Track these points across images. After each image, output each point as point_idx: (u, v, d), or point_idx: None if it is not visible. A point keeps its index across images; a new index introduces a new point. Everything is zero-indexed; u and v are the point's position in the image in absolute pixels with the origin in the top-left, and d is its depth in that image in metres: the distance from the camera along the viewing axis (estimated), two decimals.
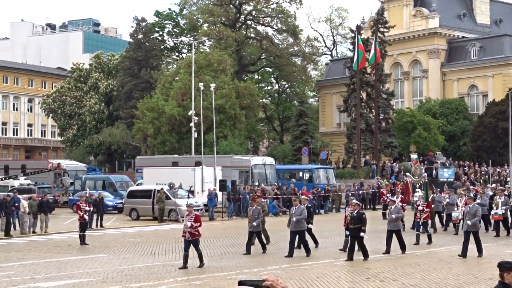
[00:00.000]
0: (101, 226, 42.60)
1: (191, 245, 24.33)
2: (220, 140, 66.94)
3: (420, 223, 31.78)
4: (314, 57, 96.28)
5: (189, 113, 63.92)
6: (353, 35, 74.46)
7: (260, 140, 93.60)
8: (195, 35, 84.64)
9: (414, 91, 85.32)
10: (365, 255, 25.70)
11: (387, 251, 27.22)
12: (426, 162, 65.42)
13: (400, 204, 35.17)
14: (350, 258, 25.50)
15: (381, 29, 74.00)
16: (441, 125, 73.99)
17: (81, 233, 33.20)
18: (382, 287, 20.02)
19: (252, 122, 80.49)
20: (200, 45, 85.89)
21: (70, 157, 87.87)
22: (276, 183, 55.22)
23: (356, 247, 25.77)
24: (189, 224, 24.18)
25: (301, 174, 62.08)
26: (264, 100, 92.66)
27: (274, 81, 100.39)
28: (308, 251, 27.14)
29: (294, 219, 27.13)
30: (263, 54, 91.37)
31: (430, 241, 31.05)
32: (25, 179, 59.97)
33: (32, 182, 58.41)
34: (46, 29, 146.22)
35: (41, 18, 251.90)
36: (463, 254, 25.91)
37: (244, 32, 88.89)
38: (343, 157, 76.95)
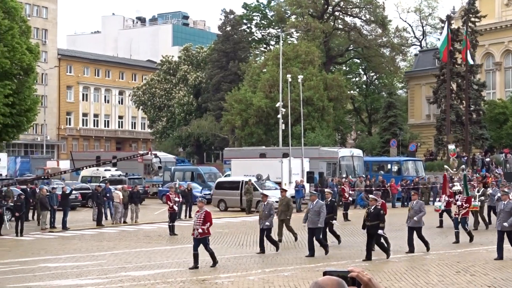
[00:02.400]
0: (190, 216, 43.05)
1: (201, 244, 22.72)
2: (307, 132, 66.86)
3: (459, 220, 29.22)
4: (403, 48, 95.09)
5: (277, 105, 64.06)
6: (443, 25, 73.28)
7: (348, 132, 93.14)
8: (283, 27, 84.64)
9: (506, 82, 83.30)
10: (369, 256, 23.77)
11: (411, 250, 25.36)
12: None
13: (447, 198, 33.20)
14: (388, 253, 24.01)
15: (472, 19, 72.56)
16: None
17: (170, 224, 33.68)
18: (473, 281, 19.65)
19: (340, 114, 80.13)
20: (288, 36, 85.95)
21: (159, 148, 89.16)
22: (364, 175, 54.87)
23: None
24: (199, 229, 22.65)
25: (389, 166, 61.50)
26: (352, 91, 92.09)
27: (362, 73, 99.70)
28: (312, 251, 25.09)
29: (311, 216, 25.33)
30: (351, 45, 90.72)
31: (471, 239, 28.64)
32: (116, 170, 61.12)
33: (123, 173, 59.50)
34: (137, 22, 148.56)
35: (131, 12, 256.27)
36: (499, 256, 23.52)
37: (332, 23, 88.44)
38: (432, 149, 75.88)
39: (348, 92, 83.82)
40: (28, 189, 43.49)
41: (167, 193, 36.77)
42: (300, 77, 61.77)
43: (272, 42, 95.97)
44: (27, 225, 37.31)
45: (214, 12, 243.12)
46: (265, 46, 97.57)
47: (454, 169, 34.84)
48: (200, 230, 22.53)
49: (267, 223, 26.29)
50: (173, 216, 34.08)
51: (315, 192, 28.21)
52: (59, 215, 38.14)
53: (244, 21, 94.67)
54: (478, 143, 71.20)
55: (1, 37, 37.28)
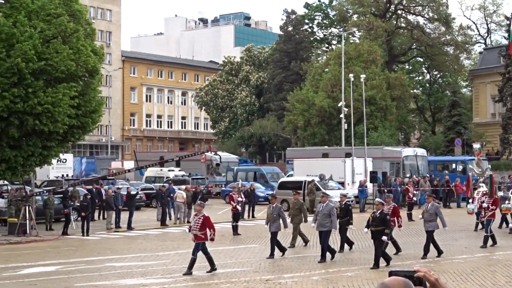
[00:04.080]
0: (253, 216, 43.23)
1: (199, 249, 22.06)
2: (370, 131, 66.46)
3: (484, 222, 27.85)
4: (467, 46, 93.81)
5: (339, 105, 63.83)
6: (508, 22, 72.09)
7: (411, 131, 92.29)
8: (345, 26, 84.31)
9: None
10: (377, 263, 22.18)
11: (439, 254, 24.27)
12: None
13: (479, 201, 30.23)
14: (376, 264, 22.25)
15: None
16: None
17: (233, 223, 33.79)
18: None
19: (403, 113, 79.47)
20: (350, 36, 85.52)
21: (222, 149, 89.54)
22: (428, 175, 54.31)
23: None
24: (193, 225, 22.18)
25: (454, 165, 60.73)
26: (415, 90, 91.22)
27: (426, 71, 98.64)
28: (332, 253, 24.18)
29: (319, 218, 24.35)
30: (414, 44, 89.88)
31: (494, 242, 26.99)
32: (179, 170, 61.63)
33: (186, 174, 59.95)
34: (199, 23, 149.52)
35: (193, 13, 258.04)
36: None
37: (395, 22, 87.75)
38: (497, 148, 74.72)
39: (411, 91, 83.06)
40: (94, 189, 44.13)
41: (230, 193, 36.96)
42: (363, 76, 61.46)
43: (334, 42, 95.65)
44: (92, 225, 37.88)
45: (276, 12, 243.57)
46: (327, 45, 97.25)
47: (480, 170, 33.30)
48: (199, 234, 21.94)
49: (276, 227, 25.46)
50: (237, 216, 34.20)
51: (325, 194, 26.42)
52: (124, 215, 38.65)
53: (306, 21, 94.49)
54: None
55: (66, 39, 37.85)
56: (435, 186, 51.40)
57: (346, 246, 26.81)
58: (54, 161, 46.59)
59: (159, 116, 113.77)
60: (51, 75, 37.30)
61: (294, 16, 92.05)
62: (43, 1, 37.78)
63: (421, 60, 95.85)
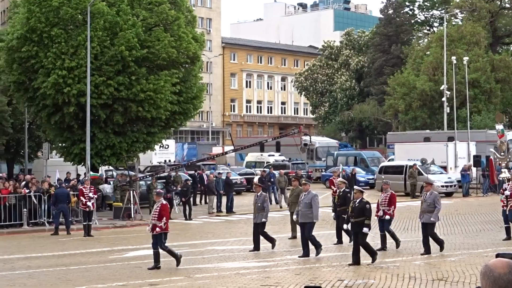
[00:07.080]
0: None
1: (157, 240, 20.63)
2: (473, 115, 65.22)
3: (507, 212, 24.83)
4: None
5: (441, 88, 62.83)
6: None
7: None
8: (447, 8, 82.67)
9: None
10: (372, 254, 20.37)
11: (426, 251, 21.87)
12: None
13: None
14: (355, 261, 20.11)
15: None
16: None
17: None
18: None
19: (508, 96, 77.53)
20: (452, 18, 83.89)
21: (322, 133, 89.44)
22: None
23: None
24: (152, 214, 21.03)
25: None
26: None
27: None
28: (317, 248, 21.95)
29: (301, 208, 22.27)
30: None
31: (509, 236, 24.72)
32: (279, 155, 61.91)
33: (286, 158, 60.13)
34: (298, 8, 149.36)
35: None
36: None
37: (499, 3, 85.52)
38: None
39: None
40: (196, 174, 44.78)
41: (331, 178, 36.85)
42: (466, 58, 60.33)
43: (436, 24, 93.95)
44: (194, 209, 38.46)
45: None
46: (428, 28, 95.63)
47: (502, 153, 30.83)
48: (157, 229, 20.58)
49: (261, 218, 23.66)
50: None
51: (307, 181, 24.02)
52: (225, 200, 39.23)
53: (407, 3, 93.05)
54: None
55: (168, 27, 38.50)
56: None
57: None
58: (156, 147, 47.53)
59: (259, 102, 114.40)
60: (153, 62, 38.02)
61: None
62: None
63: None
